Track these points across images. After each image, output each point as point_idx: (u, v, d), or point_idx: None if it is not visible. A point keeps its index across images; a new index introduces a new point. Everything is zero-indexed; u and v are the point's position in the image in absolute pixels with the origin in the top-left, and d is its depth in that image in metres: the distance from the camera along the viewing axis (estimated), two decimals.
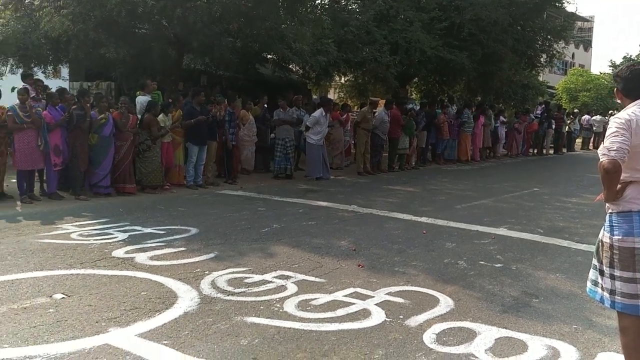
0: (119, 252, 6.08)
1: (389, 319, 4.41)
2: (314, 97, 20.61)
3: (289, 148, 12.76)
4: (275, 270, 5.58)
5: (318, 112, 12.73)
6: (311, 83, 20.05)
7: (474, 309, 4.74)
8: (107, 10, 10.43)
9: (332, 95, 24.17)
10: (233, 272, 5.47)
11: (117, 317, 4.26)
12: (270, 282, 5.22)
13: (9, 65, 14.89)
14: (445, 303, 4.83)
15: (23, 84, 10.43)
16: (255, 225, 7.73)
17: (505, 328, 4.35)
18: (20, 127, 8.65)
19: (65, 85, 15.31)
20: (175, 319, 4.28)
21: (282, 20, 12.48)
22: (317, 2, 15.49)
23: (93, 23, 11.01)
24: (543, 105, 24.84)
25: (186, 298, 4.72)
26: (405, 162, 15.59)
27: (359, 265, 5.88)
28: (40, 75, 13.22)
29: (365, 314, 4.51)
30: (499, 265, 6.16)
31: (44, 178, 9.44)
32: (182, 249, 6.31)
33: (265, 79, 17.48)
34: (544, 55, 22.47)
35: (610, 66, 57.56)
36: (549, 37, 21.57)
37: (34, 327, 4.05)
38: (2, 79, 15.59)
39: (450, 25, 17.25)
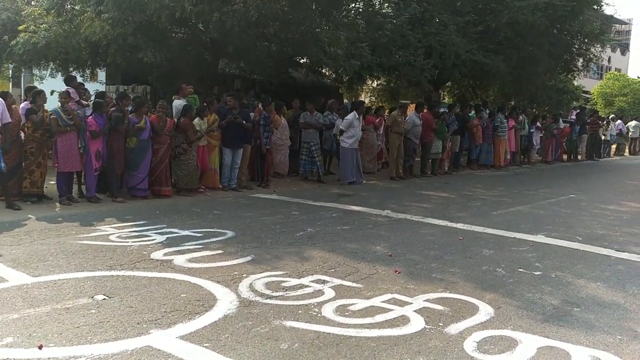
0: (158, 254, 6.15)
1: (428, 326, 4.37)
2: (345, 101, 20.61)
3: (314, 152, 12.80)
4: (312, 275, 5.58)
5: (351, 115, 12.75)
6: (343, 87, 20.04)
7: (514, 317, 4.67)
8: (146, 14, 10.60)
9: (363, 99, 24.11)
10: (270, 276, 5.49)
11: (158, 319, 4.31)
12: (308, 286, 5.23)
13: (49, 69, 15.22)
14: (485, 311, 4.78)
15: (66, 87, 10.64)
16: (290, 229, 7.75)
17: (547, 337, 4.28)
18: (63, 129, 8.80)
19: (102, 88, 15.60)
20: (215, 321, 4.31)
21: (317, 24, 12.50)
22: (351, 6, 15.49)
23: (132, 27, 11.21)
24: (578, 110, 24.38)
25: (225, 301, 4.76)
26: (437, 167, 15.47)
27: (395, 271, 5.85)
28: (78, 79, 13.47)
29: (404, 320, 4.48)
30: (538, 273, 6.06)
31: (82, 180, 9.61)
32: (219, 251, 6.36)
33: (298, 83, 17.54)
34: (581, 59, 22.07)
35: None
36: (586, 40, 21.19)
37: (78, 327, 4.11)
38: (42, 82, 15.99)
39: (485, 29, 17.06)
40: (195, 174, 10.38)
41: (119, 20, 11.01)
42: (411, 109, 15.57)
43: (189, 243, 6.68)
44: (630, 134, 26.58)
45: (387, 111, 16.21)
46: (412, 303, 4.87)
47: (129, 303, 4.64)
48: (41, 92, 9.05)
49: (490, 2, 17.67)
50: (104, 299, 4.72)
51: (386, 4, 17.20)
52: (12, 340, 3.86)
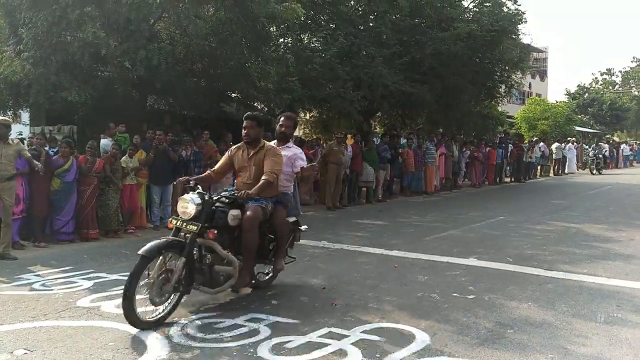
0: (84, 302, 5.87)
1: (365, 359, 4.33)
2: None
3: None
4: (247, 314, 5.43)
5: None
6: (275, 120, 20.06)
7: (450, 343, 4.70)
8: (69, 53, 10.33)
9: (297, 132, 24.23)
10: (203, 318, 5.32)
11: None
12: (243, 325, 5.09)
13: None
14: (421, 338, 4.78)
15: None
16: None
17: None
18: None
19: (26, 130, 15.02)
20: None
21: (246, 59, 12.54)
22: (280, 41, 15.65)
23: (54, 67, 10.88)
24: (503, 135, 25.42)
25: (156, 347, 4.56)
26: (373, 195, 15.65)
27: (332, 304, 5.80)
28: None
29: (341, 354, 4.42)
30: (471, 296, 6.15)
31: None
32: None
33: (230, 117, 17.44)
34: (503, 86, 23.01)
35: (565, 94, 59.56)
36: (506, 68, 22.13)
37: None
38: None
39: (411, 60, 17.55)
40: (115, 216, 9.96)
41: (40, 59, 10.67)
42: (349, 141, 15.77)
43: (118, 288, 6.35)
44: (553, 155, 27.79)
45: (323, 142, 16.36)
46: (349, 336, 4.82)
47: (52, 356, 4.37)
48: None
49: (414, 34, 18.19)
50: (25, 353, 4.44)
51: (314, 39, 17.45)
52: None
